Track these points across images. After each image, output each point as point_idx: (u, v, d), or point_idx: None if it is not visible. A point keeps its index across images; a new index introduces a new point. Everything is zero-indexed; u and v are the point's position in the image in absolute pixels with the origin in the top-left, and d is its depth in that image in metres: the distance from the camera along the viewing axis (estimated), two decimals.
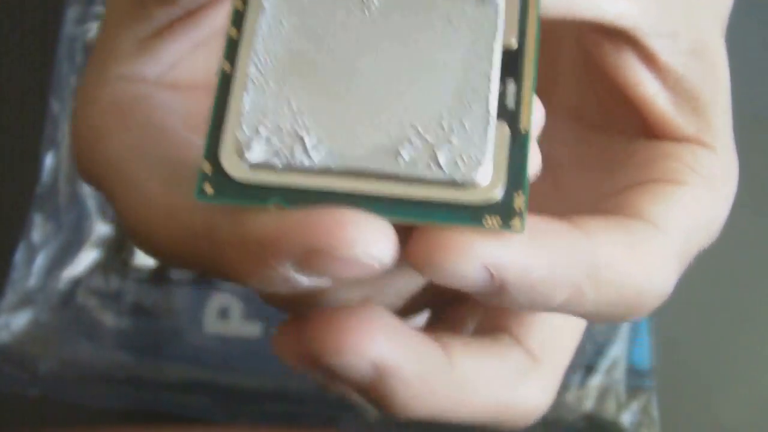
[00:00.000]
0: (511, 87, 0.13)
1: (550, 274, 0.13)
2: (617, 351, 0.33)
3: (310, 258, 0.12)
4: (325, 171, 0.13)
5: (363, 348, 0.13)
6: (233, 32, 0.14)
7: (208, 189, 0.13)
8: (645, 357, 0.33)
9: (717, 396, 0.34)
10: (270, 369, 0.34)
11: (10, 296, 0.34)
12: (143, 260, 0.33)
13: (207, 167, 0.13)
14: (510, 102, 0.13)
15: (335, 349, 0.13)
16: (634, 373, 0.33)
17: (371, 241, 0.12)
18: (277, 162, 0.13)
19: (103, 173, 0.16)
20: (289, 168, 0.13)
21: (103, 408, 0.33)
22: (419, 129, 0.13)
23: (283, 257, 0.12)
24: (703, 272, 0.36)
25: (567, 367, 0.17)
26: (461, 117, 0.13)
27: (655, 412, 0.33)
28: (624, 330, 0.34)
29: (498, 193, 0.13)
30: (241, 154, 0.13)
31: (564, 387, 0.33)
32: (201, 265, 0.14)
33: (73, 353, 0.34)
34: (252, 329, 0.34)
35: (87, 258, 0.35)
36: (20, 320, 0.34)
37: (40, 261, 0.35)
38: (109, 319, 0.34)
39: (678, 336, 0.35)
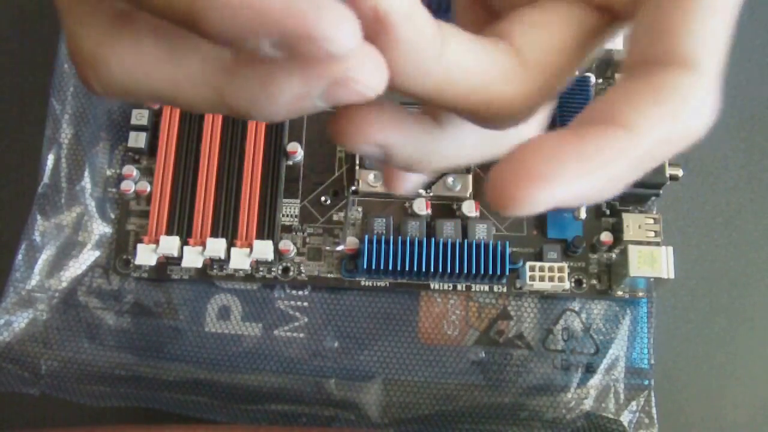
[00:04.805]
0: None
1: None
2: (617, 350, 0.33)
3: (295, 39, 0.13)
4: None
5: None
6: None
7: None
8: (644, 356, 0.33)
9: (715, 395, 0.34)
10: (270, 369, 0.34)
11: (12, 296, 0.34)
12: (144, 260, 0.34)
13: None
14: None
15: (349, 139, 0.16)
16: (633, 373, 0.33)
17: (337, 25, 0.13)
18: None
19: None
20: None
21: (104, 407, 0.33)
22: None
23: (271, 29, 0.13)
24: (703, 272, 0.36)
25: (560, 77, 0.16)
26: None
27: (654, 411, 0.33)
28: (623, 329, 0.34)
29: None
30: None
31: (563, 386, 0.33)
32: (168, 11, 0.13)
33: (74, 352, 0.34)
34: (252, 329, 0.34)
35: (88, 258, 0.35)
36: (22, 320, 0.34)
37: (42, 261, 0.35)
38: (109, 318, 0.34)
39: (677, 335, 0.35)
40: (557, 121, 0.34)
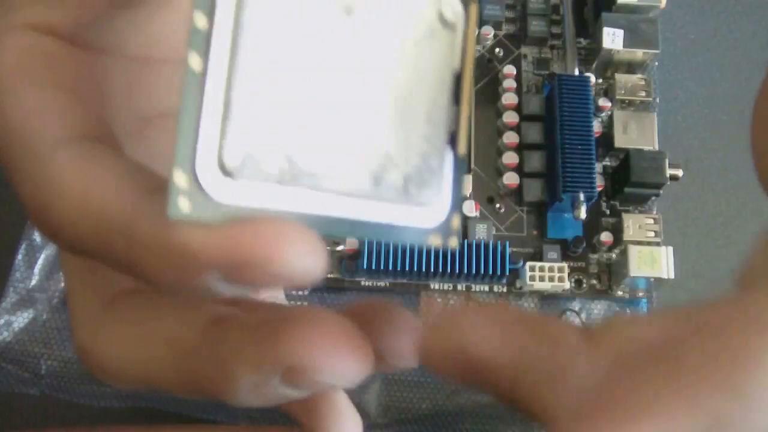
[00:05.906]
0: (454, 111, 0.13)
1: None
2: None
3: (239, 270, 0.11)
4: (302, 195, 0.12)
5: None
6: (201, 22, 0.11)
7: (184, 205, 0.11)
8: None
9: None
10: None
11: (12, 296, 0.34)
12: None
13: (182, 180, 0.11)
14: (452, 126, 0.13)
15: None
16: None
17: (301, 255, 0.12)
18: (263, 186, 0.12)
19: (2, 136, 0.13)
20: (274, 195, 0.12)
21: (104, 407, 0.33)
22: (388, 153, 0.13)
23: (210, 269, 0.11)
24: (703, 272, 0.36)
25: None
26: (422, 144, 0.13)
27: None
28: None
29: (444, 215, 0.13)
30: (224, 169, 0.12)
31: None
32: (111, 260, 0.13)
33: (74, 352, 0.34)
34: None
35: None
36: (22, 320, 0.34)
37: (42, 261, 0.35)
38: None
39: None
40: (557, 121, 0.34)
